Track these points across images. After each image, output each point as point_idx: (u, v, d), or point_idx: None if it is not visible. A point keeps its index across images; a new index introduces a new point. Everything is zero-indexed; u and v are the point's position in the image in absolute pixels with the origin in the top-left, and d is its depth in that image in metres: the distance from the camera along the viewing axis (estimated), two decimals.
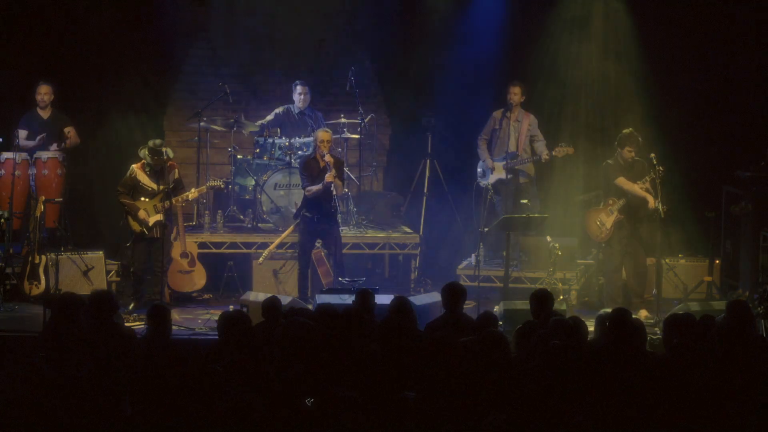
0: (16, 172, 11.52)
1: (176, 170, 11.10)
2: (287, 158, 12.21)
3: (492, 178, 12.01)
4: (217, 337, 7.46)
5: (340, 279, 10.97)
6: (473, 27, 13.23)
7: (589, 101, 12.95)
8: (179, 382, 6.22)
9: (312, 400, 6.07)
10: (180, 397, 6.08)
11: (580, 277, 11.71)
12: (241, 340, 7.15)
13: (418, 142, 13.09)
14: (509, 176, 11.85)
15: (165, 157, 10.83)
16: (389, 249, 12.39)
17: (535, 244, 11.89)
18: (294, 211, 11.54)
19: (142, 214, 10.77)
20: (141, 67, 12.94)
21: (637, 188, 10.95)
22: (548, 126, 12.27)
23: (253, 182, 12.32)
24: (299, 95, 12.60)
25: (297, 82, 12.71)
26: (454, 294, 8.18)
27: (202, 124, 12.42)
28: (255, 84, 13.75)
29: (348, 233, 12.15)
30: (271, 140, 12.34)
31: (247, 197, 12.48)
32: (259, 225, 12.28)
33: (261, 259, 11.58)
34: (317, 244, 11.39)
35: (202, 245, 11.81)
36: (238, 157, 12.49)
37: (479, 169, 12.20)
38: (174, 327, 9.88)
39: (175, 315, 10.83)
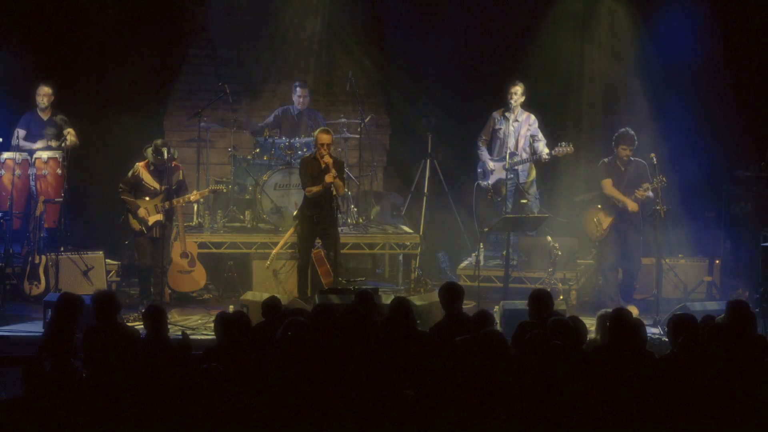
0: (16, 172, 11.52)
1: (181, 171, 11.10)
2: (287, 158, 12.20)
3: (492, 178, 12.00)
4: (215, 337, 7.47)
5: (340, 279, 10.96)
6: (474, 26, 13.23)
7: (590, 101, 12.96)
8: (178, 382, 6.21)
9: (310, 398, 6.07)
10: (179, 398, 6.08)
11: (580, 277, 11.71)
12: (240, 340, 7.15)
13: (418, 142, 13.09)
14: (509, 176, 11.85)
15: (167, 157, 10.81)
16: (389, 249, 12.39)
17: (535, 244, 11.89)
18: (294, 211, 11.53)
19: (142, 212, 10.78)
20: (141, 67, 12.95)
21: (617, 193, 10.99)
22: (548, 125, 12.26)
23: (253, 182, 12.32)
24: (299, 97, 12.61)
25: (297, 83, 12.71)
26: (451, 294, 8.16)
27: (202, 124, 12.42)
28: (255, 84, 13.75)
29: (348, 233, 12.15)
30: (271, 140, 12.34)
31: (247, 197, 12.48)
32: (259, 225, 12.28)
33: (269, 262, 11.56)
34: (317, 244, 11.39)
35: (202, 245, 11.81)
36: (238, 157, 12.49)
37: (479, 170, 12.19)
38: (173, 327, 10.01)
39: (175, 315, 10.86)
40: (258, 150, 12.39)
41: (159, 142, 10.91)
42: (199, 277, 11.59)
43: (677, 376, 6.54)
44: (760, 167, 11.62)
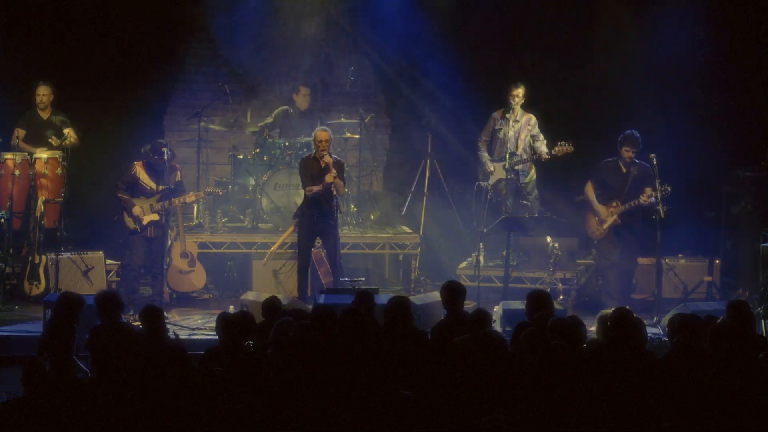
0: (16, 172, 11.52)
1: (178, 172, 11.09)
2: (287, 158, 12.20)
3: (492, 179, 12.00)
4: (216, 337, 7.46)
5: (340, 279, 10.96)
6: (473, 26, 13.23)
7: (591, 101, 12.95)
8: (178, 382, 6.21)
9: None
10: (179, 398, 6.08)
11: (580, 277, 11.71)
12: (242, 341, 7.16)
13: (418, 142, 13.09)
14: (509, 176, 11.84)
15: (166, 157, 10.81)
16: (389, 249, 12.39)
17: (535, 244, 11.89)
18: (294, 210, 11.53)
19: (137, 210, 10.78)
20: (141, 67, 12.95)
21: (594, 200, 11.07)
22: (549, 125, 12.25)
23: (253, 182, 12.32)
24: (303, 96, 12.62)
25: (299, 83, 12.77)
26: (453, 293, 8.15)
27: (202, 124, 12.42)
28: (255, 84, 13.76)
29: (348, 233, 12.15)
30: (271, 140, 12.34)
31: (247, 197, 12.48)
32: (259, 225, 12.28)
33: (265, 259, 11.57)
34: (317, 244, 11.39)
35: (202, 245, 11.81)
36: (238, 157, 12.49)
37: (479, 170, 12.19)
38: (173, 327, 10.01)
39: (175, 315, 10.86)
40: (258, 150, 12.39)
41: (160, 141, 10.90)
42: (199, 277, 11.59)
43: (677, 376, 6.54)
44: (760, 167, 11.61)
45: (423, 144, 12.84)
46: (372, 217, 12.83)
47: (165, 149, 10.81)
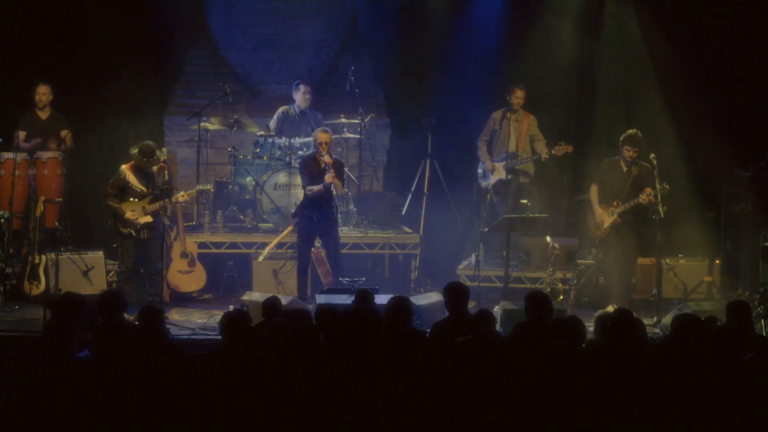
0: (16, 172, 11.52)
1: (166, 171, 11.00)
2: (287, 158, 12.21)
3: (492, 179, 12.01)
4: (216, 337, 7.47)
5: (340, 279, 10.96)
6: (473, 26, 13.23)
7: (591, 101, 12.96)
8: (178, 382, 6.21)
9: None
10: (179, 398, 6.08)
11: (580, 277, 11.71)
12: (241, 339, 7.15)
13: (418, 142, 13.10)
14: (509, 176, 11.85)
15: (155, 159, 10.75)
16: (389, 249, 12.39)
17: (535, 244, 11.89)
18: (294, 210, 11.53)
19: (129, 215, 10.69)
20: (141, 67, 12.95)
21: (596, 204, 11.03)
22: (549, 125, 12.26)
23: (253, 182, 12.32)
24: (303, 94, 12.62)
25: (299, 81, 12.75)
26: (456, 294, 8.12)
27: (202, 124, 12.42)
28: (255, 84, 13.76)
29: (348, 233, 12.15)
30: (271, 140, 12.34)
31: (247, 197, 12.48)
32: (259, 225, 12.28)
33: (261, 258, 11.57)
34: (317, 244, 11.39)
35: (202, 245, 11.81)
36: (239, 157, 12.49)
37: (479, 170, 12.20)
38: (173, 327, 10.01)
39: (175, 315, 10.86)
40: (258, 150, 12.39)
41: (149, 143, 10.78)
42: (199, 277, 11.59)
43: (677, 376, 6.54)
44: (760, 167, 11.62)
45: (423, 144, 12.85)
46: (372, 217, 12.83)
47: (158, 152, 10.75)
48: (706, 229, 12.14)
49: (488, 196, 11.88)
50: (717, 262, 11.91)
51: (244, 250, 11.94)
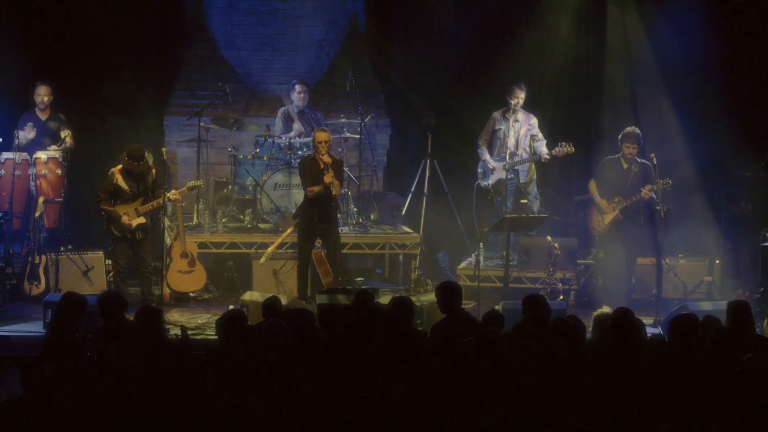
0: (16, 172, 11.52)
1: (153, 171, 10.95)
2: (287, 158, 12.21)
3: (492, 179, 12.00)
4: (215, 337, 7.46)
5: (340, 279, 10.96)
6: (473, 26, 13.23)
7: (591, 101, 12.96)
8: (178, 382, 6.21)
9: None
10: (179, 398, 6.08)
11: (580, 277, 11.71)
12: (238, 340, 7.15)
13: (418, 142, 13.09)
14: (509, 176, 11.85)
15: (144, 162, 10.71)
16: (389, 249, 12.39)
17: (535, 244, 11.89)
18: (294, 211, 11.54)
19: (125, 219, 10.67)
20: (141, 67, 12.95)
21: (596, 196, 11.07)
22: (549, 125, 12.26)
23: (253, 182, 12.32)
24: (298, 94, 12.62)
25: (295, 81, 12.76)
26: (449, 293, 8.10)
27: (202, 124, 12.42)
28: (255, 84, 13.76)
29: (348, 233, 12.15)
30: (271, 140, 12.34)
31: (247, 197, 12.47)
32: (259, 225, 12.28)
33: (263, 259, 11.57)
34: (317, 244, 11.39)
35: (202, 245, 11.80)
36: (238, 157, 12.49)
37: (479, 170, 12.19)
38: (172, 327, 10.00)
39: (176, 315, 10.86)
40: (258, 150, 12.39)
41: (136, 147, 10.70)
42: (199, 277, 11.58)
43: (677, 376, 6.54)
44: (760, 167, 11.62)
45: (423, 144, 12.84)
46: (372, 217, 12.82)
47: (147, 154, 10.70)
48: (706, 229, 12.14)
49: (488, 196, 11.88)
50: (717, 262, 11.91)
51: (244, 250, 11.94)
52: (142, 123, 12.71)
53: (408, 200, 12.88)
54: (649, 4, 12.82)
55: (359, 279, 11.12)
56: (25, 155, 11.74)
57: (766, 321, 10.13)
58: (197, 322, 10.52)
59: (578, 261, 11.86)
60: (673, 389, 6.40)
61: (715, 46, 12.48)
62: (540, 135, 11.93)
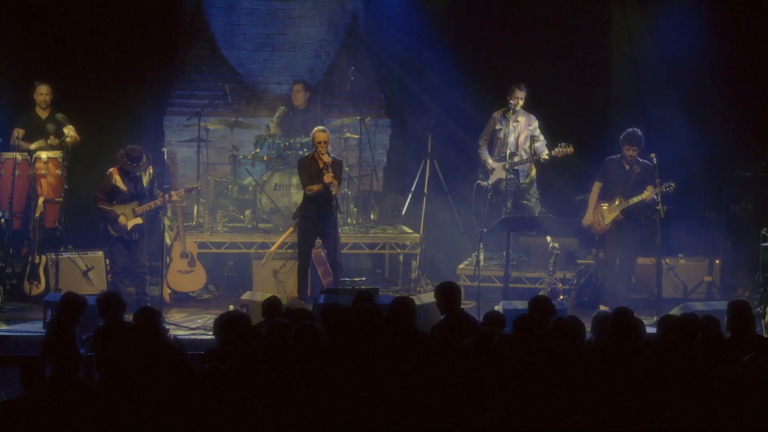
0: (16, 172, 11.52)
1: (151, 171, 10.92)
2: (287, 158, 12.20)
3: (492, 179, 12.00)
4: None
5: (340, 279, 10.96)
6: (473, 26, 13.23)
7: (591, 101, 12.95)
8: (178, 382, 6.21)
9: None
10: (179, 398, 6.08)
11: (580, 277, 11.71)
12: (236, 340, 7.15)
13: (418, 142, 13.09)
14: (509, 176, 11.84)
15: (142, 163, 10.71)
16: (389, 249, 12.39)
17: (535, 244, 11.88)
18: (294, 211, 11.53)
19: (122, 219, 10.68)
20: (141, 67, 12.95)
21: (592, 201, 11.06)
22: (550, 125, 12.25)
23: (253, 182, 12.32)
24: (295, 93, 12.64)
25: (294, 81, 12.77)
26: (448, 293, 8.10)
27: (202, 124, 12.42)
28: (255, 84, 13.76)
29: (348, 233, 12.14)
30: (271, 140, 12.34)
31: (247, 197, 12.47)
32: (259, 225, 12.27)
33: (264, 260, 11.57)
34: (317, 244, 11.39)
35: (202, 245, 11.80)
36: (238, 157, 12.48)
37: (479, 170, 12.18)
38: (172, 327, 10.01)
39: (175, 315, 10.86)
40: (258, 150, 12.39)
41: (135, 147, 10.69)
42: (199, 277, 11.59)
43: (677, 376, 6.54)
44: (760, 167, 11.62)
45: (423, 144, 12.84)
46: (372, 217, 12.82)
47: (146, 156, 10.69)
48: (706, 229, 12.14)
49: (488, 196, 11.88)
50: (717, 262, 11.90)
51: (244, 250, 11.94)
52: (141, 123, 12.70)
53: (408, 200, 12.87)
54: (651, 4, 12.80)
55: (359, 279, 11.12)
56: (25, 155, 11.74)
57: (765, 321, 10.13)
58: (197, 322, 10.53)
59: (578, 261, 11.85)
60: (673, 389, 6.40)
61: (715, 46, 12.48)
62: (540, 135, 11.93)
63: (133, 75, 12.78)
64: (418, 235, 12.34)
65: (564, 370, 6.41)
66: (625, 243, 11.06)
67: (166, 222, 11.22)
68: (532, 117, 11.96)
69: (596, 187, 11.16)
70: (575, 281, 11.60)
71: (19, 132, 11.85)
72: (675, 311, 9.74)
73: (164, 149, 11.61)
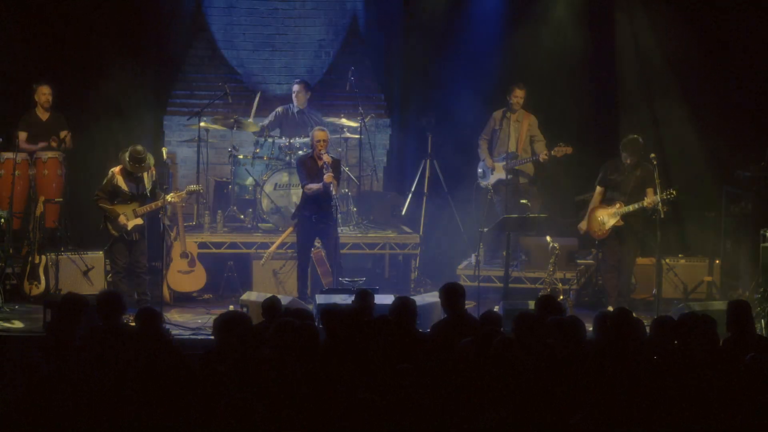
0: (16, 172, 11.52)
1: (153, 172, 10.94)
2: (287, 158, 12.21)
3: (492, 179, 12.01)
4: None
5: (340, 279, 10.96)
6: (473, 26, 13.23)
7: (591, 101, 12.96)
8: (177, 382, 6.21)
9: None
10: (179, 398, 6.08)
11: (580, 277, 11.71)
12: (234, 340, 7.15)
13: (418, 142, 13.09)
14: (509, 176, 11.85)
15: (145, 164, 10.71)
16: (389, 249, 12.39)
17: (535, 244, 11.89)
18: (294, 211, 11.54)
19: (122, 219, 10.69)
20: (141, 66, 12.95)
21: (593, 204, 11.04)
22: (549, 125, 12.26)
23: (253, 182, 12.32)
24: (296, 94, 12.64)
25: (294, 81, 12.78)
26: (452, 294, 8.12)
27: (202, 124, 12.42)
28: (255, 84, 13.76)
29: (348, 233, 12.15)
30: (271, 140, 12.35)
31: (247, 197, 12.48)
32: (259, 225, 12.28)
33: (263, 260, 11.58)
34: (317, 244, 11.39)
35: (202, 245, 11.81)
36: (238, 157, 12.49)
37: (479, 170, 12.20)
38: (172, 327, 10.01)
39: (175, 315, 10.86)
40: (258, 150, 12.39)
41: (138, 148, 10.68)
42: (199, 277, 11.59)
43: (677, 376, 6.54)
44: (760, 167, 11.62)
45: (423, 144, 12.85)
46: (372, 217, 12.83)
47: (149, 156, 10.69)
48: (706, 229, 12.14)
49: (488, 196, 11.88)
50: (717, 262, 11.90)
51: (244, 250, 11.94)
52: (141, 123, 12.70)
53: (408, 200, 12.88)
54: (652, 3, 12.80)
55: (359, 279, 11.12)
56: (25, 155, 11.74)
57: (765, 321, 10.13)
58: (197, 322, 10.53)
59: (578, 261, 11.85)
60: (674, 389, 6.40)
61: (716, 45, 12.48)
62: (540, 135, 11.94)
63: (133, 75, 12.78)
64: (418, 235, 12.35)
65: (564, 370, 6.41)
66: (625, 247, 11.05)
67: (166, 222, 11.21)
68: (532, 117, 11.97)
69: (598, 192, 11.13)
70: (575, 281, 11.60)
71: (21, 135, 11.84)
72: (674, 311, 9.77)
73: (164, 149, 11.60)
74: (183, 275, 11.50)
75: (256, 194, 12.24)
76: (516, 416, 5.81)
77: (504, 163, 11.81)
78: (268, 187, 12.10)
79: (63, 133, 11.86)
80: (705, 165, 12.45)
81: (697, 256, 12.05)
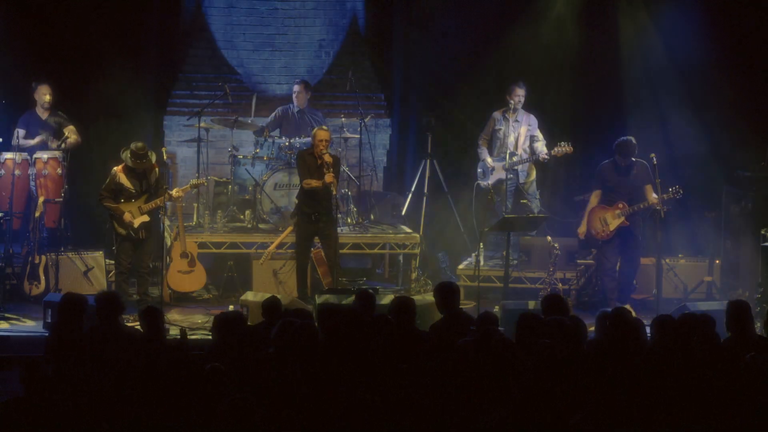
0: (16, 172, 11.52)
1: (156, 169, 10.95)
2: (287, 158, 12.21)
3: (492, 178, 12.01)
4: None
5: (340, 279, 10.95)
6: (473, 26, 13.23)
7: (591, 101, 12.96)
8: (178, 382, 6.21)
9: None
10: (179, 398, 6.08)
11: (580, 277, 11.71)
12: (233, 340, 7.15)
13: (418, 142, 13.09)
14: (509, 176, 11.85)
15: (147, 160, 10.71)
16: (389, 249, 12.39)
17: (535, 244, 11.89)
18: (293, 210, 11.53)
19: (127, 216, 10.66)
20: (141, 66, 12.95)
21: (589, 208, 11.05)
22: (549, 125, 12.26)
23: (253, 182, 12.32)
24: (297, 94, 12.64)
25: (294, 81, 12.79)
26: (446, 293, 8.11)
27: (202, 124, 12.42)
28: (255, 84, 13.77)
29: (348, 233, 12.14)
30: (270, 140, 12.35)
31: (247, 197, 12.48)
32: (259, 225, 12.27)
33: (262, 259, 11.58)
34: (317, 244, 11.38)
35: (202, 245, 11.80)
36: (238, 157, 12.49)
37: (479, 170, 12.20)
38: (172, 327, 10.01)
39: (175, 315, 10.86)
40: (258, 150, 12.39)
41: (139, 145, 10.63)
42: (199, 277, 11.58)
43: (677, 376, 6.54)
44: (760, 167, 11.62)
45: (423, 144, 12.85)
46: (372, 217, 12.82)
47: (152, 153, 10.69)
48: (706, 229, 12.14)
49: (488, 196, 11.88)
50: (717, 262, 11.91)
51: (244, 250, 11.94)
52: (141, 123, 12.70)
53: (408, 200, 12.88)
54: (653, 4, 12.81)
55: (359, 279, 11.12)
56: (25, 155, 11.74)
57: (764, 321, 10.12)
58: (197, 322, 10.53)
59: (578, 261, 11.85)
60: (674, 389, 6.40)
61: (716, 45, 12.48)
62: (539, 135, 11.93)
63: (132, 75, 12.78)
64: (418, 235, 12.34)
65: (564, 370, 6.41)
66: (626, 248, 11.05)
67: (166, 222, 11.21)
68: (532, 117, 11.97)
69: (595, 195, 11.13)
70: (575, 281, 11.60)
71: (19, 133, 11.84)
72: (675, 311, 9.75)
73: (164, 149, 11.58)
74: (183, 275, 11.50)
75: (256, 194, 12.23)
76: (516, 416, 5.81)
77: (504, 163, 11.81)
78: (268, 187, 12.10)
79: (67, 130, 11.83)
80: (705, 165, 12.45)
81: (697, 256, 12.05)
